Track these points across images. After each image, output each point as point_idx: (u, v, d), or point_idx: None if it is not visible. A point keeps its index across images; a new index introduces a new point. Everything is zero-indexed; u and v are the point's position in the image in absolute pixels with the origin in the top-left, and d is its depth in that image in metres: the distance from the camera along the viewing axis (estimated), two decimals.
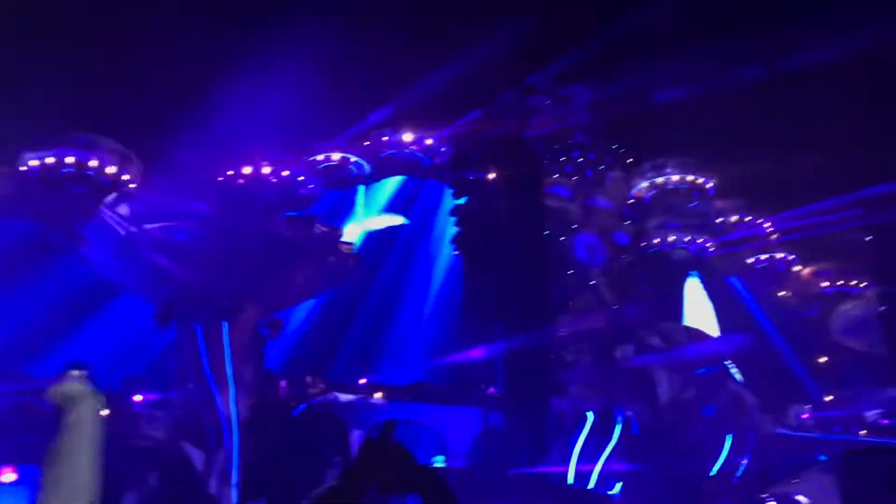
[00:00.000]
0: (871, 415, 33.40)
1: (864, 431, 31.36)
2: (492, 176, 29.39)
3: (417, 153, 31.77)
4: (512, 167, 29.04)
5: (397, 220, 32.73)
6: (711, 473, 28.50)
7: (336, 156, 31.18)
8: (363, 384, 27.11)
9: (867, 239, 32.34)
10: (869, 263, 33.84)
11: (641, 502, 25.41)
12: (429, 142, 31.90)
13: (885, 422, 31.40)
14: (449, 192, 30.64)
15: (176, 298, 24.74)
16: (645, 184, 37.48)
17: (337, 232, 29.73)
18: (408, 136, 31.67)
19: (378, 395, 26.49)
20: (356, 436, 25.17)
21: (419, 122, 32.00)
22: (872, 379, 35.57)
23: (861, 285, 37.20)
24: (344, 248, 30.47)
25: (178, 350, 25.03)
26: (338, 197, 33.78)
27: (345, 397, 25.70)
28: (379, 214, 32.63)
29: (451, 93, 30.91)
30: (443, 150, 31.96)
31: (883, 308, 32.14)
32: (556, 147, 34.61)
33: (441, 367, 31.04)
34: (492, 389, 27.35)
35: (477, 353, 27.36)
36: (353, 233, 30.84)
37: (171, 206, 26.26)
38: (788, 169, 32.17)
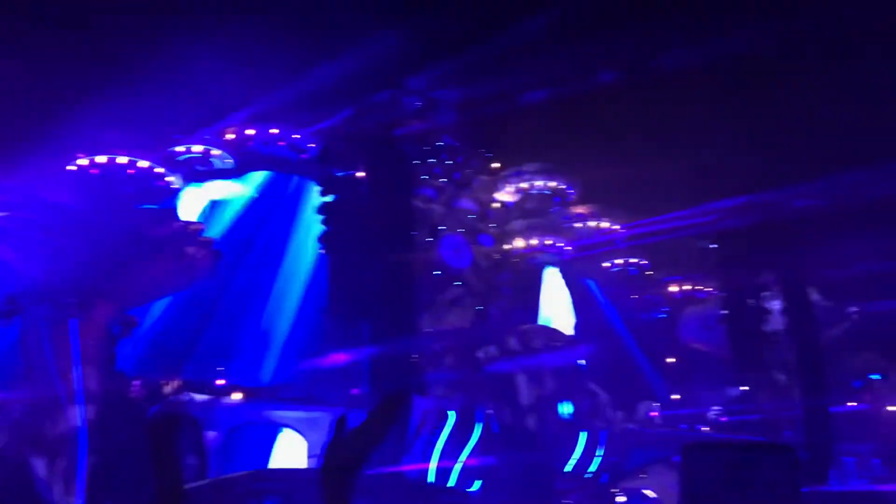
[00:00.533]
0: (713, 412, 35.57)
1: (707, 428, 33.35)
2: (360, 174, 29.25)
3: (284, 148, 31.22)
4: (381, 166, 29.02)
5: (238, 188, 31.67)
6: (566, 470, 29.48)
7: (198, 148, 30.17)
8: (221, 385, 26.31)
9: (712, 246, 34.37)
10: (713, 269, 35.94)
11: (500, 499, 25.95)
12: (296, 136, 31.40)
13: (725, 419, 33.49)
14: (316, 188, 30.22)
15: (20, 293, 23.20)
16: (509, 188, 38.43)
17: (196, 227, 28.76)
18: (274, 131, 31.06)
19: (236, 396, 25.78)
20: (212, 438, 24.43)
21: (288, 118, 31.48)
22: (715, 378, 37.86)
23: (706, 290, 39.50)
24: (202, 244, 29.53)
25: (21, 349, 23.47)
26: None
27: (201, 398, 24.86)
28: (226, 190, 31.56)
29: (322, 90, 30.56)
30: (311, 145, 31.54)
31: (725, 311, 34.25)
32: (425, 148, 34.82)
33: (304, 368, 30.60)
34: (355, 390, 27.18)
35: (341, 353, 27.14)
36: (191, 200, 29.60)
37: (19, 195, 24.63)
38: (646, 175, 33.65)
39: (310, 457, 25.67)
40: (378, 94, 29.90)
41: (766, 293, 33.11)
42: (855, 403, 34.84)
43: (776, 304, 34.32)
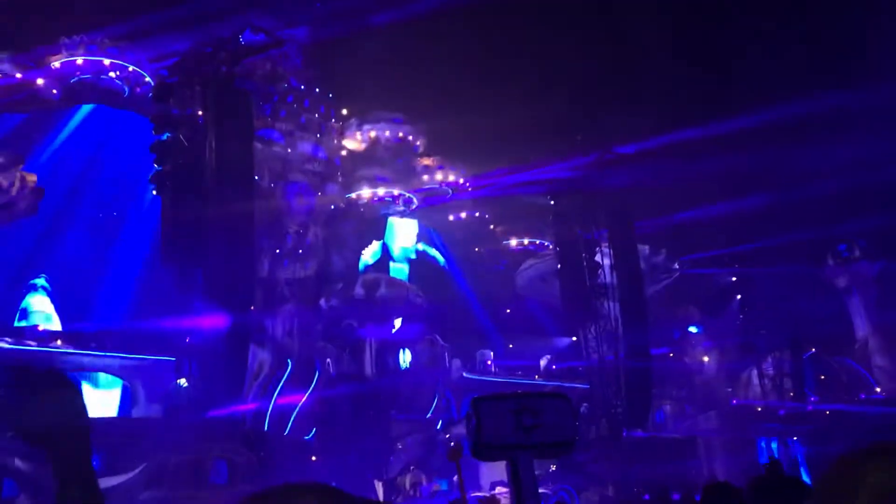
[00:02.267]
0: (544, 361, 37.14)
1: (538, 377, 34.82)
2: (199, 113, 27.93)
3: (116, 81, 29.35)
4: (221, 106, 27.76)
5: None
6: (404, 416, 30.01)
7: (18, 75, 27.84)
8: (42, 331, 24.77)
9: (550, 202, 35.49)
10: (550, 225, 37.17)
11: (336, 445, 26.09)
12: (131, 69, 29.57)
13: (554, 367, 35.06)
14: (149, 126, 28.63)
15: None
16: (357, 136, 38.00)
17: (17, 160, 26.69)
18: (106, 61, 29.09)
19: (58, 343, 24.36)
20: None
21: (122, 47, 29.52)
22: (548, 329, 39.48)
23: (543, 244, 40.89)
24: (26, 180, 27.47)
25: None
26: (22, 121, 30.33)
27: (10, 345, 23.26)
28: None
29: (162, 20, 28.82)
30: (146, 80, 29.80)
31: (559, 266, 35.60)
32: (269, 90, 33.68)
33: (136, 313, 29.34)
34: (189, 338, 26.32)
35: (176, 299, 26.16)
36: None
37: None
38: (490, 128, 34.08)
39: (134, 404, 24.75)
40: (219, 28, 28.48)
41: (598, 248, 34.65)
42: (672, 354, 37.38)
43: (607, 259, 35.99)
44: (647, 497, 18.59)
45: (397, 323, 32.39)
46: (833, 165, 30.75)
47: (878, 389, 35.15)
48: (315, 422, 27.11)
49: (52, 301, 28.66)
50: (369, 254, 35.68)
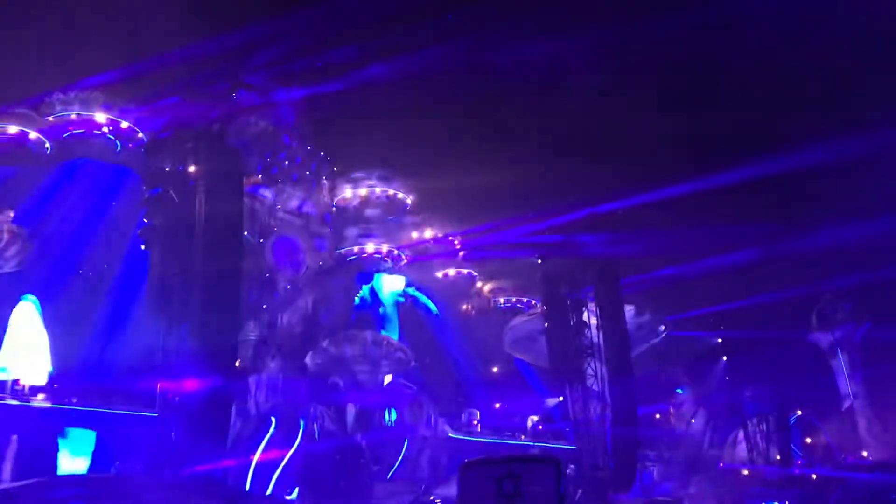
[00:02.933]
0: (531, 422, 36.87)
1: (524, 437, 34.52)
2: (191, 169, 28.15)
3: (109, 136, 29.63)
4: (213, 163, 27.98)
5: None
6: (388, 476, 29.65)
7: (13, 129, 28.12)
8: (22, 387, 24.48)
9: (538, 261, 35.71)
10: (538, 283, 37.31)
11: None
12: (124, 125, 29.87)
13: (541, 427, 34.83)
14: (140, 181, 28.84)
15: None
16: (348, 193, 38.35)
17: (4, 213, 26.78)
18: (101, 117, 29.41)
19: (41, 398, 24.08)
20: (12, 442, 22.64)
21: (115, 102, 29.85)
22: (535, 388, 39.33)
23: (531, 303, 41.01)
24: (14, 233, 27.54)
25: None
26: (12, 174, 30.46)
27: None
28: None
29: (155, 75, 29.25)
30: (139, 135, 30.10)
31: (546, 325, 35.63)
32: (261, 147, 34.06)
33: (118, 368, 29.08)
34: (173, 394, 26.05)
35: (160, 354, 25.97)
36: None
37: None
38: (480, 186, 34.45)
39: (114, 460, 24.40)
40: (214, 86, 28.91)
41: (585, 308, 34.75)
42: (659, 416, 37.22)
43: (594, 319, 36.05)
44: None
45: (385, 380, 32.25)
46: (817, 227, 31.19)
47: (865, 454, 35.01)
48: (297, 481, 26.75)
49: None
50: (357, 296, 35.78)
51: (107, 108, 29.67)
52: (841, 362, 38.12)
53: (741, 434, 36.53)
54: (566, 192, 34.10)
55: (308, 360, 31.54)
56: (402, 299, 38.11)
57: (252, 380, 28.81)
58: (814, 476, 31.92)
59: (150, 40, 28.70)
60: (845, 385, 38.05)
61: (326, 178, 36.93)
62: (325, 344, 31.63)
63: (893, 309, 33.67)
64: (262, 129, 33.01)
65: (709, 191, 31.57)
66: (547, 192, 34.27)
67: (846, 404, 37.75)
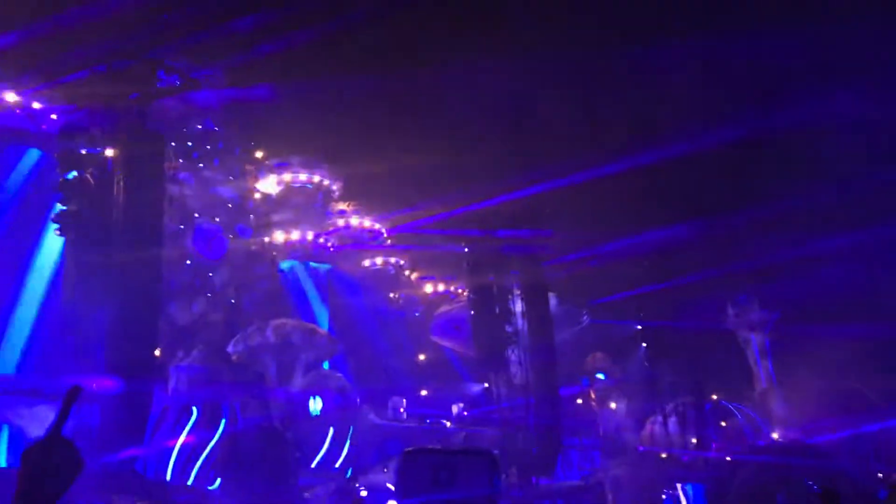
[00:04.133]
0: (456, 408, 37.16)
1: (449, 423, 34.78)
2: (109, 153, 27.30)
3: (22, 118, 28.46)
4: (133, 146, 27.19)
5: None
6: (312, 465, 29.47)
7: None
8: None
9: (464, 249, 35.91)
10: (464, 271, 37.53)
11: (242, 496, 25.36)
12: (37, 106, 28.73)
13: (466, 414, 35.14)
14: (54, 164, 27.81)
15: None
16: (272, 179, 37.78)
17: None
18: (11, 97, 28.20)
19: None
20: None
21: (29, 84, 28.64)
22: (461, 376, 39.62)
23: (458, 291, 41.24)
24: None
25: None
26: None
27: None
28: None
29: (74, 58, 28.14)
30: (53, 117, 29.00)
31: (473, 313, 35.90)
32: (183, 131, 33.26)
33: (33, 357, 28.10)
34: (93, 381, 25.31)
35: (76, 341, 25.19)
36: None
37: None
38: (408, 175, 34.38)
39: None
40: (132, 67, 28.02)
41: (511, 296, 35.13)
42: (580, 401, 37.98)
43: (519, 306, 36.49)
44: None
45: (308, 368, 31.99)
46: (735, 213, 32.15)
47: (776, 436, 36.44)
48: (220, 470, 26.34)
49: None
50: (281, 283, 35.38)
51: (20, 89, 28.47)
52: (755, 349, 39.54)
53: (659, 419, 37.58)
54: (492, 177, 34.24)
55: (231, 347, 31.05)
56: (326, 286, 37.85)
57: (173, 368, 28.23)
58: (728, 458, 33.07)
59: (67, 19, 27.60)
60: (758, 371, 39.49)
61: (250, 164, 36.31)
62: (248, 331, 31.19)
63: (804, 297, 35.03)
64: (184, 113, 32.22)
65: (631, 173, 32.08)
66: (473, 179, 34.39)
67: (758, 389, 39.20)
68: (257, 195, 37.11)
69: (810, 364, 33.70)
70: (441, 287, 41.71)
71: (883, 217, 30.01)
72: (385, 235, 38.80)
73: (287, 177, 37.58)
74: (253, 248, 34.63)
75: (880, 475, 27.46)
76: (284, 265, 36.08)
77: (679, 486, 30.53)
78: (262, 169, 36.88)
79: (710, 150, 30.52)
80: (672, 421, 37.70)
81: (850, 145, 29.28)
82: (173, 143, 32.01)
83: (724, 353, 38.27)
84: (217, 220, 33.85)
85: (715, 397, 39.25)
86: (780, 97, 28.74)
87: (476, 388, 37.90)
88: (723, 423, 38.79)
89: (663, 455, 34.49)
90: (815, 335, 34.89)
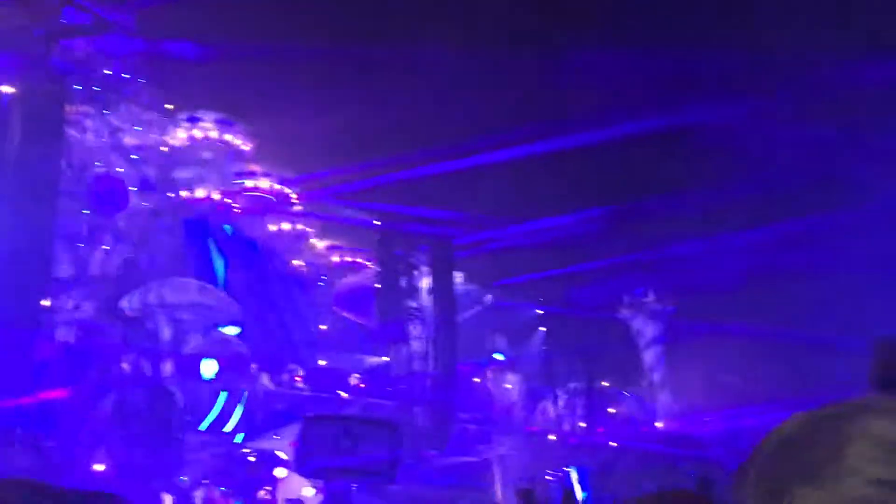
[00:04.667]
0: (354, 379, 37.15)
1: (346, 394, 34.73)
2: (6, 89, 25.88)
3: None
4: (33, 87, 25.83)
5: None
6: (201, 427, 28.94)
7: None
8: None
9: (374, 220, 35.78)
10: (372, 242, 37.43)
11: (124, 455, 24.76)
12: None
13: (363, 386, 35.18)
14: None
15: None
16: (181, 133, 36.61)
17: None
18: None
19: None
20: None
21: None
22: (361, 347, 39.58)
23: (364, 262, 41.04)
24: None
25: None
26: None
27: None
28: None
29: None
30: None
31: (377, 285, 35.89)
32: (89, 75, 31.80)
33: None
34: None
35: None
36: None
37: None
38: (324, 140, 33.76)
39: None
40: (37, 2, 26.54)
41: (417, 271, 35.30)
42: (478, 379, 38.58)
43: (425, 282, 36.70)
44: None
45: (206, 330, 31.36)
46: (638, 202, 33.00)
47: (660, 425, 37.96)
48: (106, 428, 25.61)
49: None
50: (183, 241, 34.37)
51: None
52: (647, 340, 40.96)
53: (551, 401, 38.60)
54: (408, 152, 34.01)
55: (125, 303, 30.13)
56: (232, 248, 37.05)
57: (62, 321, 27.22)
58: (613, 444, 34.24)
59: None
60: (648, 361, 40.95)
61: (159, 115, 35.08)
62: (144, 288, 30.30)
63: (698, 292, 36.40)
64: (91, 55, 30.79)
65: (543, 157, 32.32)
66: (388, 151, 34.05)
67: (647, 379, 40.68)
68: (164, 148, 35.93)
69: (698, 358, 35.18)
70: (348, 258, 41.40)
71: (780, 216, 31.31)
72: (294, 200, 38.18)
73: (197, 132, 36.47)
74: (156, 202, 33.57)
75: None
76: (187, 223, 35.06)
77: (565, 467, 31.43)
78: (171, 122, 35.68)
79: (621, 140, 31.12)
80: (563, 404, 38.79)
81: (756, 144, 30.36)
82: (78, 87, 30.59)
83: (618, 342, 39.54)
84: (120, 170, 32.65)
85: (606, 384, 40.54)
86: (690, 92, 29.53)
87: (375, 361, 37.99)
88: (611, 410, 40.13)
89: (552, 436, 35.45)
90: (704, 331, 36.37)
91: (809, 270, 31.08)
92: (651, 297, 40.40)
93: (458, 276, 38.23)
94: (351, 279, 40.77)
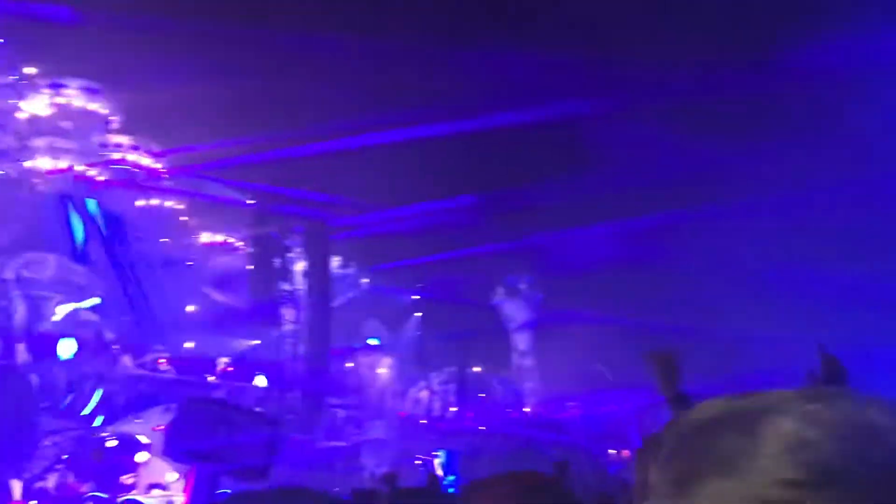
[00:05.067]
0: (222, 362, 36.24)
1: (212, 378, 33.86)
2: None
3: None
4: None
5: None
6: (59, 410, 27.53)
7: None
8: None
9: (248, 200, 34.95)
10: (247, 224, 36.55)
11: None
12: None
13: (231, 369, 34.41)
14: None
15: None
16: (43, 100, 34.50)
17: None
18: None
19: None
20: None
21: None
22: (231, 330, 38.59)
23: (236, 243, 39.98)
24: None
25: None
26: None
27: None
28: None
29: None
30: None
31: (250, 266, 35.13)
32: None
33: None
34: None
35: None
36: None
37: None
38: (195, 113, 32.48)
39: None
40: None
41: (292, 253, 34.74)
42: (351, 364, 38.46)
43: (300, 265, 36.21)
44: None
45: (63, 311, 29.78)
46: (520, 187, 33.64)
47: (527, 409, 39.02)
48: None
49: None
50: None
51: None
52: (516, 326, 41.98)
53: (423, 386, 38.97)
54: (284, 131, 33.25)
55: None
56: (95, 224, 35.27)
57: None
58: (482, 428, 34.93)
59: None
60: (518, 346, 42.01)
61: (17, 79, 32.91)
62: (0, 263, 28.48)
63: (567, 281, 37.57)
64: None
65: (421, 143, 32.35)
66: (264, 128, 33.20)
67: (517, 364, 41.72)
68: (23, 115, 33.79)
69: (564, 344, 36.33)
70: (219, 237, 40.19)
71: (643, 209, 32.62)
72: (164, 176, 36.75)
73: (61, 99, 34.46)
74: (13, 173, 31.55)
75: (612, 452, 30.16)
76: (47, 196, 33.12)
77: (434, 452, 31.84)
78: (31, 86, 33.55)
79: (493, 130, 31.63)
80: (435, 389, 39.24)
81: (620, 139, 31.40)
82: None
83: (490, 328, 40.32)
84: None
85: (477, 369, 41.29)
86: (558, 86, 30.26)
87: (245, 345, 37.19)
88: (481, 395, 40.91)
89: (422, 421, 35.79)
90: (571, 318, 37.61)
91: (672, 262, 32.62)
92: (522, 284, 41.42)
93: (335, 260, 37.93)
94: (222, 260, 39.66)
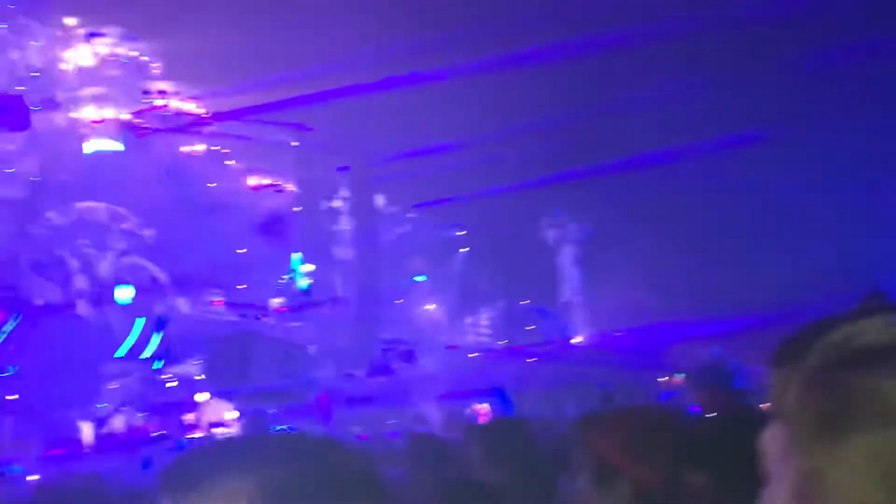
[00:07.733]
0: (276, 302, 36.95)
1: (265, 319, 34.65)
2: None
3: None
4: None
5: None
6: (118, 354, 28.49)
7: None
8: None
9: (293, 142, 35.04)
10: (291, 164, 36.73)
11: (37, 383, 24.24)
12: None
13: (284, 309, 35.14)
14: None
15: None
16: (85, 49, 34.72)
17: None
18: None
19: None
20: None
21: None
22: (283, 271, 39.14)
23: (284, 185, 40.23)
24: None
25: None
26: None
27: None
28: None
29: None
30: None
31: (298, 208, 35.42)
32: None
33: None
34: None
35: None
36: None
37: None
38: (237, 58, 32.32)
39: None
40: None
41: (338, 194, 34.93)
42: (400, 301, 38.91)
43: (345, 205, 36.44)
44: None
45: (119, 254, 30.54)
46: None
47: (576, 341, 39.11)
48: (16, 356, 24.96)
49: None
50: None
51: None
52: (564, 258, 41.79)
53: (472, 320, 39.30)
54: (329, 68, 32.84)
55: (32, 229, 28.99)
56: (142, 170, 35.71)
57: None
58: (531, 360, 35.22)
59: None
60: (567, 279, 41.89)
61: (59, 30, 33.12)
62: (52, 213, 29.17)
63: (616, 213, 37.07)
64: None
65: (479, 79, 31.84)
66: (309, 66, 32.84)
67: (564, 297, 41.65)
68: (67, 66, 34.08)
69: (612, 277, 36.10)
70: (266, 180, 40.47)
71: (699, 133, 31.82)
72: (208, 121, 36.95)
73: (102, 48, 34.64)
74: (60, 123, 32.03)
75: (662, 379, 30.16)
76: (95, 145, 33.62)
77: (487, 386, 32.27)
78: (73, 37, 33.75)
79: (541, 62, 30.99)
80: (483, 322, 39.56)
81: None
82: None
83: (538, 262, 40.20)
84: (20, 88, 30.92)
85: (526, 301, 41.38)
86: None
87: (297, 285, 37.78)
88: (531, 327, 41.09)
89: (472, 355, 36.20)
90: (621, 250, 37.23)
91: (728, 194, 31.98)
92: (571, 218, 41.09)
93: (380, 199, 38.03)
94: (270, 202, 40.02)
